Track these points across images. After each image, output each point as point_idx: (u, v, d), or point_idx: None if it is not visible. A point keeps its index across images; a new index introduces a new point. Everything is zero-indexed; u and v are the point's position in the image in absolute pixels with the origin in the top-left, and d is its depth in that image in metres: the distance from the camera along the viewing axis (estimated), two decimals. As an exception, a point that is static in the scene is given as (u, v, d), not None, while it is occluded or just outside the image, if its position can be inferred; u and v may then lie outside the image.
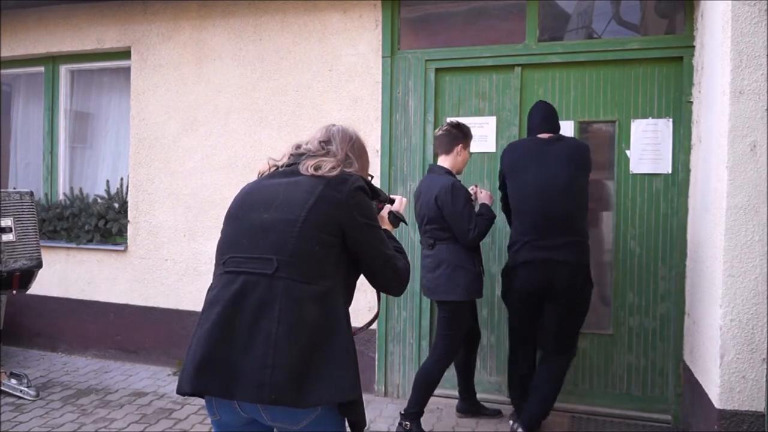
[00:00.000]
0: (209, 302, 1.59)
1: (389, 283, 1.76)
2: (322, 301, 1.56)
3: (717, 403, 2.73)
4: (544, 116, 3.24)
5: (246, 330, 1.50)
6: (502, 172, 3.27)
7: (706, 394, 2.92)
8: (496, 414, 3.62)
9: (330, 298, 1.58)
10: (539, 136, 3.20)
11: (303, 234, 1.57)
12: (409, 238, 3.93)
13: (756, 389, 2.68)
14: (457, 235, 3.19)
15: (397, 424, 3.29)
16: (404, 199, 2.02)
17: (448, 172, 3.30)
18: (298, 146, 1.80)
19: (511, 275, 3.21)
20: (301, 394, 1.47)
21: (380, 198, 1.90)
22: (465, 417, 3.62)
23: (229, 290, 1.55)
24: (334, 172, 1.68)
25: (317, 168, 1.68)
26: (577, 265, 3.02)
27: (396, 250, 1.79)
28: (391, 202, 1.99)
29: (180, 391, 1.55)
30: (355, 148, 1.84)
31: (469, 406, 3.62)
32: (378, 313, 1.97)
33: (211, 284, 1.65)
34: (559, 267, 3.00)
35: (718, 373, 2.73)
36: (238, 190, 1.78)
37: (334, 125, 1.86)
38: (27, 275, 3.92)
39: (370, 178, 1.88)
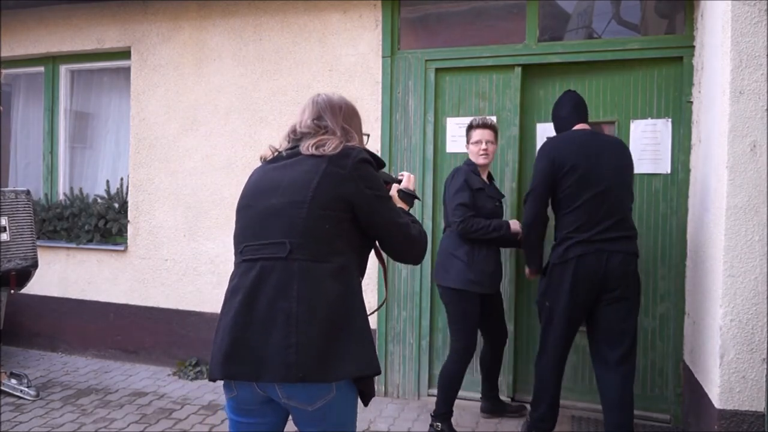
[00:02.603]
0: (231, 291, 1.65)
1: (405, 251, 1.77)
2: (337, 277, 1.59)
3: (717, 403, 2.73)
4: (576, 105, 3.17)
5: (266, 313, 1.55)
6: (550, 167, 3.02)
7: (706, 394, 2.92)
8: (521, 410, 3.61)
9: (345, 274, 1.62)
10: (580, 128, 3.13)
11: (311, 214, 1.59)
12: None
13: (756, 389, 2.68)
14: (449, 221, 3.30)
15: (395, 425, 3.29)
16: (412, 176, 2.00)
17: (468, 162, 3.37)
18: (294, 130, 1.79)
19: (559, 272, 3.00)
20: (327, 370, 1.52)
21: (386, 179, 1.90)
22: (489, 417, 3.60)
23: (248, 278, 1.59)
24: (336, 149, 1.67)
25: (318, 146, 1.67)
26: (632, 254, 2.98)
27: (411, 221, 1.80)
28: (398, 181, 1.97)
29: (211, 378, 1.64)
30: (346, 116, 1.83)
31: (493, 405, 3.62)
32: (386, 298, 1.98)
33: (232, 274, 1.70)
34: (613, 256, 2.92)
35: (718, 373, 2.73)
36: (244, 183, 1.80)
37: (319, 95, 1.84)
38: (24, 274, 3.90)
39: (366, 137, 1.92)
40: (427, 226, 3.93)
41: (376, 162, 1.76)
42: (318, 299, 1.55)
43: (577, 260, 2.94)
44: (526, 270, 3.35)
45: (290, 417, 1.69)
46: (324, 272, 1.58)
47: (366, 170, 1.68)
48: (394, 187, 1.94)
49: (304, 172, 1.64)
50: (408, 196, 1.93)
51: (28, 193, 3.97)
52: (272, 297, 1.55)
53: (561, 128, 3.21)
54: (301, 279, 1.55)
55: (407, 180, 1.97)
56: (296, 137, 1.77)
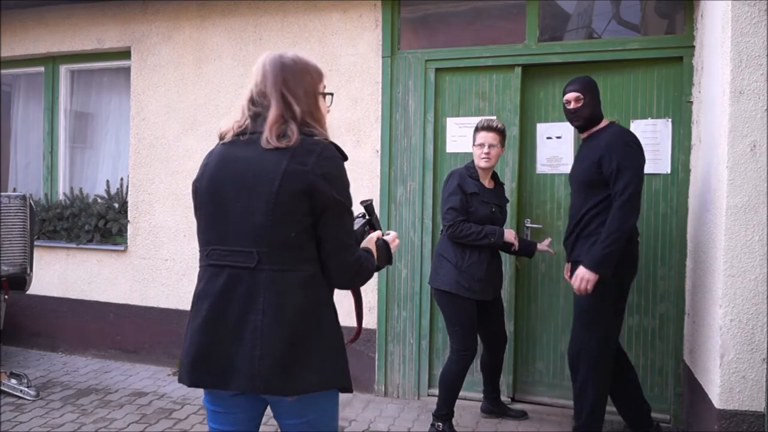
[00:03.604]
0: (198, 295, 1.62)
1: (339, 271, 1.59)
2: (304, 287, 1.55)
3: (717, 403, 2.73)
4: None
5: (236, 322, 1.54)
6: (636, 166, 2.86)
7: (706, 394, 2.92)
8: (521, 415, 3.60)
9: (312, 283, 1.57)
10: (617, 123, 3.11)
11: (276, 221, 1.53)
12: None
13: (756, 389, 2.68)
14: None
15: (395, 425, 3.30)
16: (397, 241, 1.88)
17: (468, 165, 3.36)
18: (252, 100, 1.63)
19: (629, 275, 3.01)
20: (288, 382, 1.51)
21: (373, 225, 1.84)
22: (489, 417, 3.60)
23: (216, 284, 1.58)
24: (298, 142, 1.54)
25: (280, 137, 1.55)
26: None
27: (365, 251, 1.70)
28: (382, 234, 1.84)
29: (180, 382, 1.64)
30: (290, 83, 1.61)
31: (493, 406, 3.61)
32: (359, 331, 1.86)
33: (198, 274, 1.67)
34: None
35: (718, 373, 2.73)
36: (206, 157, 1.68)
37: (267, 57, 1.65)
38: (16, 280, 3.86)
39: (329, 97, 1.71)
40: (427, 226, 3.93)
41: (342, 157, 1.64)
42: (283, 311, 1.52)
43: (636, 261, 3.01)
44: (592, 275, 2.84)
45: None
46: (290, 282, 1.53)
47: (330, 168, 1.56)
48: (376, 233, 1.82)
49: (267, 169, 1.54)
50: (387, 253, 1.80)
51: (23, 198, 3.88)
52: (240, 308, 1.53)
53: (599, 118, 3.06)
54: (267, 290, 1.52)
55: (392, 240, 1.85)
56: (255, 113, 1.62)
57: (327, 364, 1.56)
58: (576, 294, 2.97)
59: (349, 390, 1.64)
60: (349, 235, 1.61)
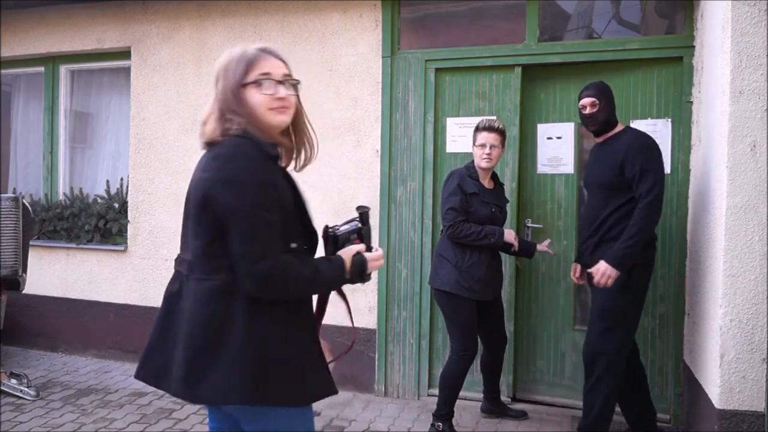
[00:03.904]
0: (163, 296, 1.67)
1: (244, 281, 1.46)
2: (217, 297, 1.49)
3: (717, 403, 2.73)
4: None
5: (175, 327, 1.57)
6: (659, 168, 2.95)
7: (706, 394, 2.92)
8: (521, 415, 3.60)
9: (226, 293, 1.48)
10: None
11: (194, 231, 1.53)
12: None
13: (756, 389, 2.68)
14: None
15: (395, 425, 3.30)
16: (381, 261, 1.69)
17: (468, 165, 3.35)
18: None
19: (646, 275, 3.04)
20: (193, 391, 1.51)
21: (362, 235, 1.69)
22: (489, 417, 3.60)
23: (170, 289, 1.64)
24: (214, 142, 1.50)
25: (204, 142, 1.54)
26: None
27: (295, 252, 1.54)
28: (369, 249, 1.69)
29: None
30: (217, 81, 1.57)
31: (493, 406, 3.61)
32: (354, 341, 1.80)
33: None
34: None
35: (718, 373, 2.73)
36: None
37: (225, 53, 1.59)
38: (9, 282, 3.83)
39: (264, 81, 1.54)
40: (427, 226, 3.93)
41: (263, 153, 1.49)
42: (195, 319, 1.50)
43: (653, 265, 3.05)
44: (613, 271, 2.87)
45: None
46: (205, 291, 1.51)
47: (230, 171, 1.44)
48: (360, 246, 1.67)
49: (197, 175, 1.54)
50: (360, 267, 1.62)
51: (15, 199, 3.82)
52: (178, 313, 1.57)
53: (614, 122, 3.11)
54: (190, 297, 1.54)
55: (375, 258, 1.66)
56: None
57: (226, 379, 1.46)
58: (597, 295, 3.00)
59: (291, 405, 1.53)
60: (252, 242, 1.44)
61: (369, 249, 1.68)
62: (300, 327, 1.58)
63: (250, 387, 1.46)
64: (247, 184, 1.44)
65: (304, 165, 1.70)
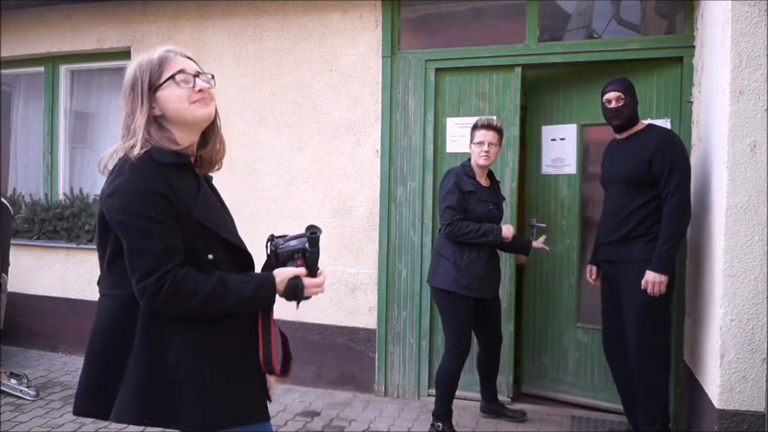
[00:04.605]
0: None
1: (138, 295, 1.42)
2: (119, 313, 1.48)
3: (717, 403, 2.73)
4: None
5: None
6: (686, 165, 2.99)
7: (706, 394, 2.92)
8: (520, 416, 3.60)
9: (127, 308, 1.46)
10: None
11: (100, 246, 1.57)
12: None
13: (756, 389, 2.68)
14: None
15: (395, 425, 3.30)
16: (321, 289, 1.57)
17: (464, 163, 3.35)
18: None
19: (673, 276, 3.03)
20: (86, 404, 1.49)
21: (306, 259, 1.54)
22: (489, 417, 3.61)
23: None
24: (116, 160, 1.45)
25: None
26: None
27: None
28: (312, 274, 1.55)
29: None
30: (129, 92, 1.48)
31: (491, 406, 3.62)
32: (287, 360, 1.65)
33: None
34: None
35: (718, 373, 2.73)
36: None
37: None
38: None
39: (178, 76, 1.46)
40: (427, 226, 3.93)
41: (156, 163, 1.40)
42: (96, 335, 1.52)
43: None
44: (663, 278, 2.89)
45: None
46: (106, 307, 1.53)
47: (119, 184, 1.39)
48: (301, 270, 1.54)
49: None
50: (292, 294, 1.52)
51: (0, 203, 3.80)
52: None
53: (636, 118, 3.12)
54: (97, 314, 1.55)
55: (314, 284, 1.55)
56: None
57: (124, 397, 1.42)
58: (635, 296, 2.98)
59: (190, 429, 1.43)
60: (139, 256, 1.39)
61: (313, 274, 1.55)
62: (218, 345, 1.47)
63: (140, 406, 1.40)
64: (132, 195, 1.38)
65: (220, 166, 1.67)
